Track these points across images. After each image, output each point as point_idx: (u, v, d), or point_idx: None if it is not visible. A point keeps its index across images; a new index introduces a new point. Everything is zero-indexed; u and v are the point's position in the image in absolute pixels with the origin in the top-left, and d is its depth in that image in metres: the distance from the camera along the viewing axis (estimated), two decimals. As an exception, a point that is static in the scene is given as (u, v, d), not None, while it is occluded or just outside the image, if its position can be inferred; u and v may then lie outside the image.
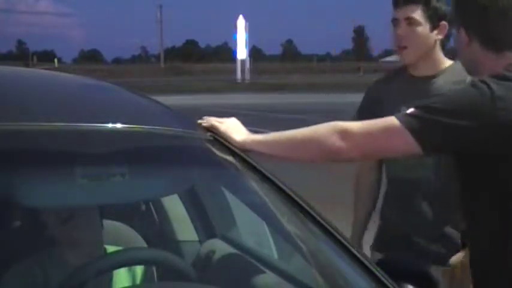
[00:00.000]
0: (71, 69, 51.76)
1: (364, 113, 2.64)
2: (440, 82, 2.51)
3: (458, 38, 1.88)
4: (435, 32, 2.50)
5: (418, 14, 2.47)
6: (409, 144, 1.72)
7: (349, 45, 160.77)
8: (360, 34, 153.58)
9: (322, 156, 1.86)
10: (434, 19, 2.48)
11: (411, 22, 2.48)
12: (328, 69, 76.56)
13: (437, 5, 2.49)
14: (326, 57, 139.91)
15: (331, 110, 21.65)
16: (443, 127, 1.68)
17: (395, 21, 2.53)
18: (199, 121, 1.95)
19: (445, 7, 2.50)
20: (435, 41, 2.51)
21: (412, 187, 2.57)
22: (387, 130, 1.75)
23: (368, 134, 1.78)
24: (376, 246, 2.74)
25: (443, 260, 2.52)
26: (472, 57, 1.86)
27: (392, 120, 1.74)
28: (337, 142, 1.76)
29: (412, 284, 1.72)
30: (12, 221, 1.93)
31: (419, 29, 2.48)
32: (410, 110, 1.74)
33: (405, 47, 2.52)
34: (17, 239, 1.88)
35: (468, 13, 1.84)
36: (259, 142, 1.88)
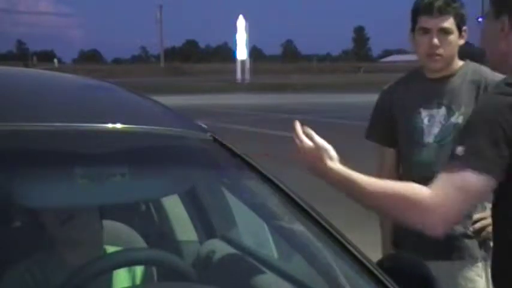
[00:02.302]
0: (71, 69, 51.77)
1: (379, 115, 2.77)
2: (457, 82, 2.58)
3: (493, 29, 1.83)
4: (459, 37, 2.57)
5: (450, 23, 2.53)
6: (486, 184, 1.68)
7: (349, 45, 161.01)
8: (360, 34, 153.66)
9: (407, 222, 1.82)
10: (460, 26, 2.56)
11: (445, 31, 2.53)
12: (328, 69, 76.58)
13: (462, 12, 2.55)
14: (326, 58, 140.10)
15: (331, 110, 21.69)
16: (498, 155, 1.66)
17: (426, 30, 2.55)
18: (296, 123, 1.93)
19: (465, 12, 2.57)
20: (458, 46, 2.58)
21: None
22: (466, 190, 1.69)
23: (454, 209, 1.72)
24: (394, 243, 2.77)
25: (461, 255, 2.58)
26: (506, 49, 1.81)
27: (462, 175, 1.68)
28: (427, 222, 1.72)
29: (413, 285, 1.72)
30: (12, 221, 1.93)
31: (452, 37, 2.54)
32: (460, 152, 1.70)
33: (439, 55, 2.55)
34: (17, 239, 1.88)
35: None
36: (340, 180, 1.83)
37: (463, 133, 1.75)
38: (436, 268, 2.49)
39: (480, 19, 1.94)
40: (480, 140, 1.67)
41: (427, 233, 1.75)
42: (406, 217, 1.77)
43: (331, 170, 1.83)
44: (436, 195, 1.70)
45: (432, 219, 1.71)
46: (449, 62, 2.58)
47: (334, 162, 1.85)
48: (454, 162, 1.71)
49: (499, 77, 2.37)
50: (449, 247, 2.59)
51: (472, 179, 1.67)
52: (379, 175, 2.74)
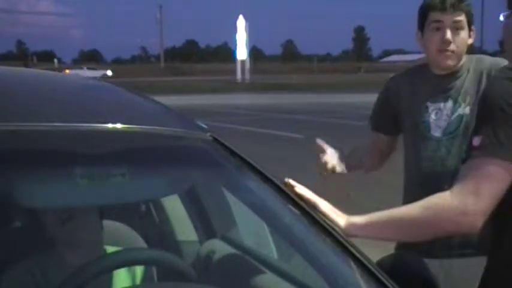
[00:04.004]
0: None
1: (381, 105, 2.80)
2: (462, 74, 2.59)
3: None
4: (468, 36, 2.58)
5: (463, 19, 2.54)
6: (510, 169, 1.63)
7: (349, 45, 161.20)
8: (360, 34, 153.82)
9: (442, 234, 1.84)
10: (470, 24, 2.57)
11: (457, 27, 2.54)
12: (328, 69, 76.59)
13: (472, 11, 2.57)
14: (326, 58, 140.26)
15: (331, 110, 21.69)
16: None
17: (439, 26, 2.54)
18: (286, 180, 1.89)
19: (473, 12, 2.58)
20: (468, 45, 2.59)
21: (448, 179, 2.59)
22: (490, 176, 1.65)
23: (484, 197, 1.66)
24: (400, 245, 2.74)
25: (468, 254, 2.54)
26: None
27: (484, 165, 1.65)
28: (463, 222, 1.69)
29: (413, 286, 1.71)
30: (12, 221, 1.94)
31: (463, 34, 2.55)
32: (478, 142, 1.66)
33: (452, 51, 2.55)
34: (17, 239, 1.88)
35: None
36: (363, 227, 1.82)
37: (477, 123, 1.71)
38: (451, 266, 2.51)
39: (502, 16, 1.90)
40: (495, 126, 1.64)
41: (465, 231, 1.74)
42: (445, 231, 1.78)
43: (356, 224, 1.81)
44: (460, 195, 1.67)
45: (467, 221, 1.67)
46: (459, 59, 2.58)
47: (354, 218, 1.83)
48: (473, 154, 1.67)
49: (500, 63, 2.38)
50: (464, 244, 2.56)
51: (496, 167, 1.63)
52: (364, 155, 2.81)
